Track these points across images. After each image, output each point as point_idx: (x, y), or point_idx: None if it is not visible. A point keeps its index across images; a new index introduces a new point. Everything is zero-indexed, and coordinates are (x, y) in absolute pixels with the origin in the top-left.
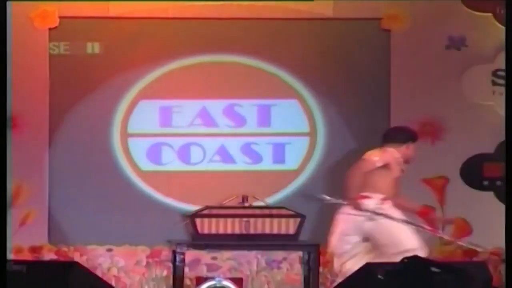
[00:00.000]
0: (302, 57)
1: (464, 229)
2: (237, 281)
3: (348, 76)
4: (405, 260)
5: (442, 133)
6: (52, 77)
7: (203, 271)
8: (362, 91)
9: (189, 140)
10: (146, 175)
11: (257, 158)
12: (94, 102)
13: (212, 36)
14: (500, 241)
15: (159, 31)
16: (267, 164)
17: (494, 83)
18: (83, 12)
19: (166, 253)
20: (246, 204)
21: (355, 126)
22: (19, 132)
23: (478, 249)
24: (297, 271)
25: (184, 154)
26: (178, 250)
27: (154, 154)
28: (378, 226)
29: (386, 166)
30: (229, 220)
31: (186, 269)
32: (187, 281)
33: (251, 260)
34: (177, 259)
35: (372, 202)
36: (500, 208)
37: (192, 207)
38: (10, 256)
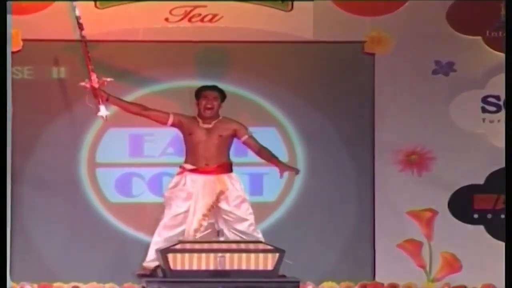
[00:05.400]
0: (281, 83)
1: (453, 265)
2: None
3: (329, 103)
4: None
5: (429, 162)
6: (15, 103)
7: None
8: (344, 118)
9: (161, 170)
10: (115, 208)
11: None
12: (60, 130)
13: (186, 60)
14: (490, 278)
15: (128, 55)
16: None
17: (484, 110)
18: (48, 35)
19: None
20: (221, 239)
21: (337, 155)
22: None
23: None
24: None
25: (155, 185)
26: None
27: (124, 185)
28: None
29: None
30: (204, 255)
31: None
32: None
33: None
34: None
35: None
36: (491, 243)
37: None
38: None
